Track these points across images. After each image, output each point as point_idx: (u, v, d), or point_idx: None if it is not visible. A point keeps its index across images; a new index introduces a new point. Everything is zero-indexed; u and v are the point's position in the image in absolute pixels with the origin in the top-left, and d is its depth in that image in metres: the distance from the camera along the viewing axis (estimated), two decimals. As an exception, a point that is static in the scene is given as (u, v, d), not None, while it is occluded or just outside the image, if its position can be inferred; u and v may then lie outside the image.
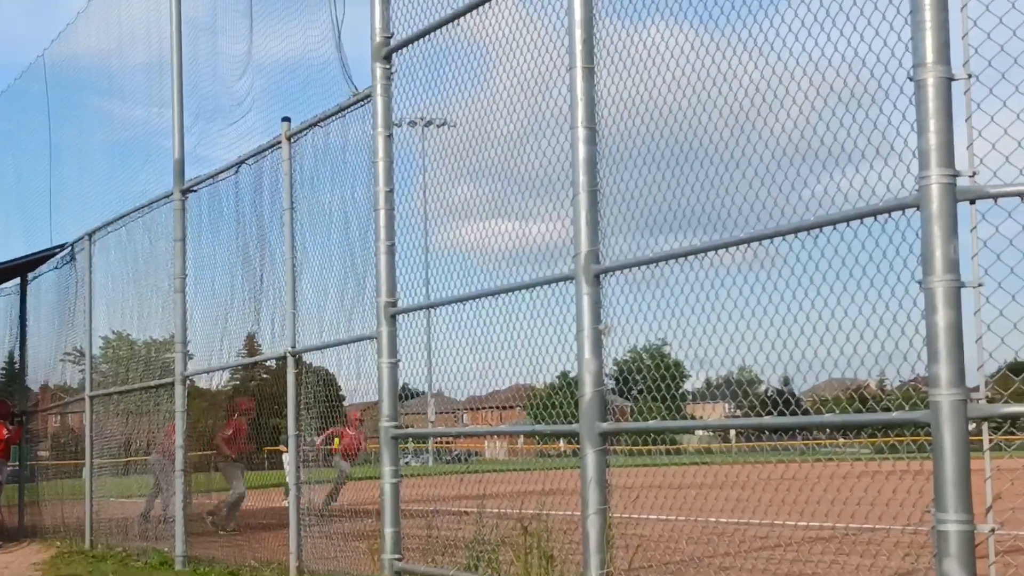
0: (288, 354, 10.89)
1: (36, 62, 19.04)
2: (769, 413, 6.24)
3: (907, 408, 5.38)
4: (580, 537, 7.29)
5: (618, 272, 7.22)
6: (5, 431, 18.08)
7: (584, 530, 7.14)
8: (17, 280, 19.39)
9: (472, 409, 12.22)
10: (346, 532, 10.80)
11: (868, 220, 5.46)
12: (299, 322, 10.96)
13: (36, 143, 19.61)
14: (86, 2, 16.60)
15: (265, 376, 14.15)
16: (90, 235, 16.05)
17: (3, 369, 20.76)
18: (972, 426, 4.99)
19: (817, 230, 5.78)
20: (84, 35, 17.50)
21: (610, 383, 7.34)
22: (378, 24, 9.49)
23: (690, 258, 6.64)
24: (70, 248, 17.11)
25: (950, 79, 5.00)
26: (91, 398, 15.87)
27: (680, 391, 7.83)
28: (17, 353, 19.70)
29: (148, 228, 14.61)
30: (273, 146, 11.40)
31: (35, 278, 18.84)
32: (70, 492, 17.42)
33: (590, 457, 7.14)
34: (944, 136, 4.97)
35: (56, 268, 17.87)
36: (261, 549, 12.11)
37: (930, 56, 5.02)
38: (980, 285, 4.95)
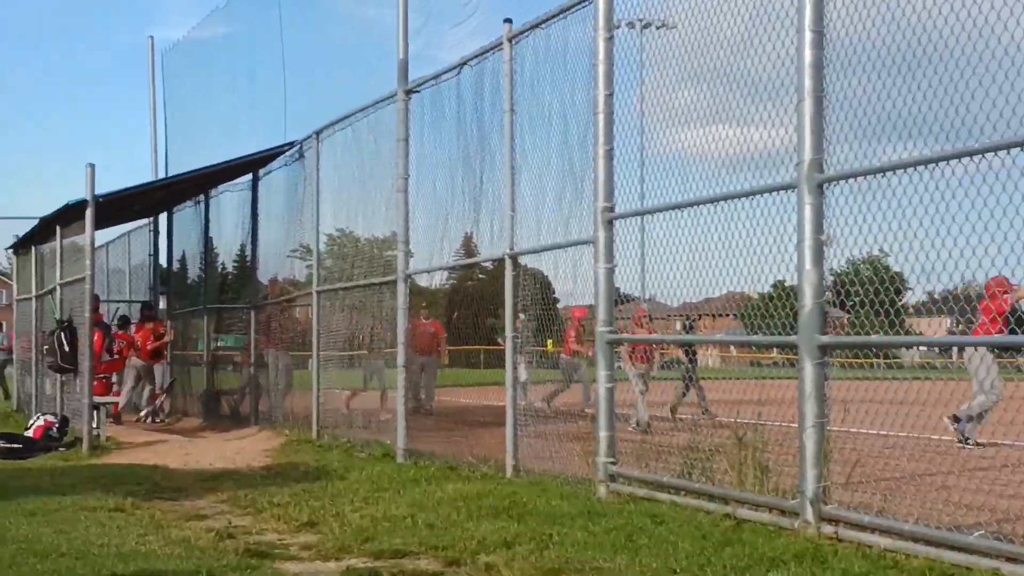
0: (507, 256, 10.98)
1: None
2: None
3: None
4: (794, 449, 7.22)
5: (841, 181, 7.02)
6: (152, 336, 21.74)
7: (801, 443, 7.09)
8: (249, 176, 19.94)
9: (683, 316, 12.10)
10: (560, 433, 10.93)
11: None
12: (517, 224, 11.03)
13: (270, 41, 20.13)
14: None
15: (482, 277, 14.25)
16: (317, 133, 16.39)
17: (235, 262, 21.52)
18: None
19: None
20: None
21: (827, 294, 7.16)
22: (601, -76, 9.37)
23: (919, 168, 6.40)
24: (299, 146, 17.52)
25: None
26: (318, 293, 16.33)
27: (900, 304, 7.58)
28: (248, 248, 20.33)
29: (373, 128, 14.85)
30: (495, 48, 11.40)
31: (266, 174, 19.31)
32: (298, 383, 18.04)
33: (808, 370, 7.04)
34: None
35: (286, 165, 18.30)
36: (478, 446, 12.35)
37: None
38: None
